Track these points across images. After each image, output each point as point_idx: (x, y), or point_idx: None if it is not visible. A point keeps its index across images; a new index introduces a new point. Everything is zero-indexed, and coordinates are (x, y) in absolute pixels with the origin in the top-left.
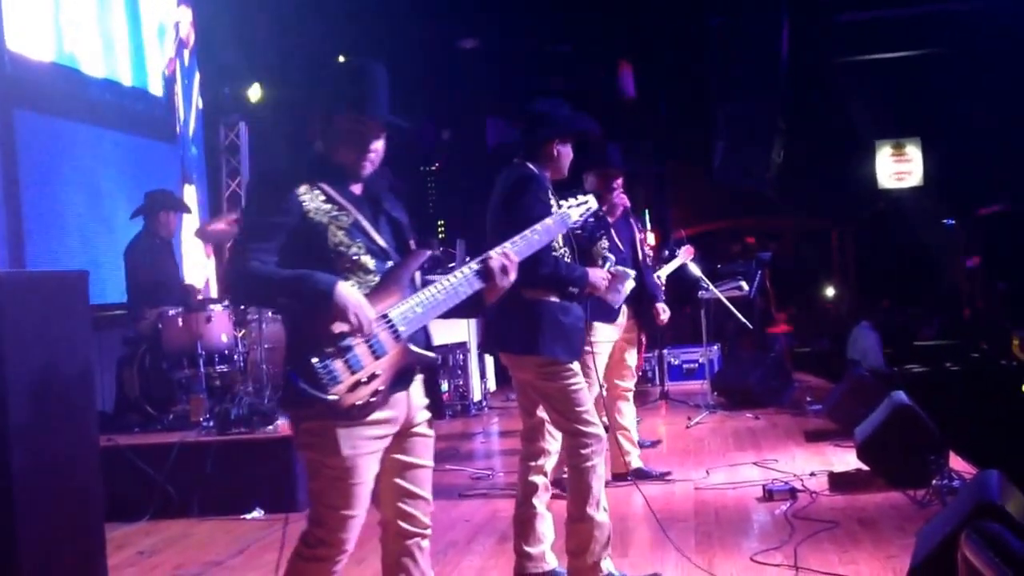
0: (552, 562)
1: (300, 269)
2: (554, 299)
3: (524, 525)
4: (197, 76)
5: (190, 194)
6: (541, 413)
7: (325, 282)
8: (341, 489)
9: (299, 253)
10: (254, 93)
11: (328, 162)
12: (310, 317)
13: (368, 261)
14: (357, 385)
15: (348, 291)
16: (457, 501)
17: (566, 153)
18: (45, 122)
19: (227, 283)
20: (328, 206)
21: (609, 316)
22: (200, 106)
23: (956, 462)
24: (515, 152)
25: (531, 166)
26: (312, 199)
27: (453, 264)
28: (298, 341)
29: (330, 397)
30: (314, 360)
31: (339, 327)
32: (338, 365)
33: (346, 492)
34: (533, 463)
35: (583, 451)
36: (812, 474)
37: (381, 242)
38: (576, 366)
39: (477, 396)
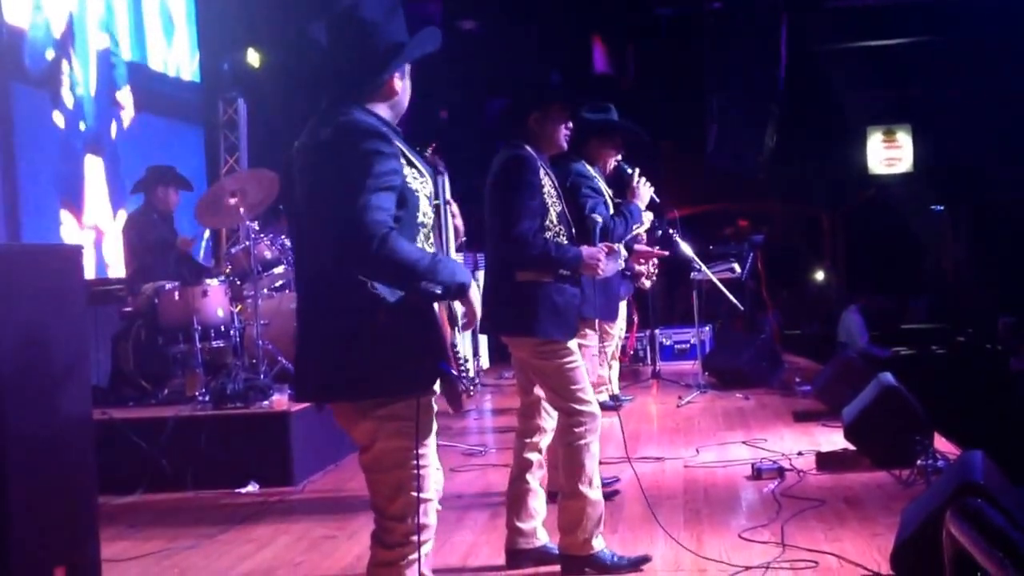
0: (543, 538)
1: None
2: (548, 280)
3: (517, 501)
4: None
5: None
6: (538, 391)
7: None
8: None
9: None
10: (253, 59)
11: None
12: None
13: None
14: None
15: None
16: (449, 476)
17: (553, 127)
18: (41, 96)
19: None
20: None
21: (612, 315)
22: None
23: (941, 443)
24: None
25: (525, 146)
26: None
27: None
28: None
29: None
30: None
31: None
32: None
33: (425, 476)
34: (528, 440)
35: (577, 429)
36: (800, 453)
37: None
38: (573, 344)
39: (470, 374)
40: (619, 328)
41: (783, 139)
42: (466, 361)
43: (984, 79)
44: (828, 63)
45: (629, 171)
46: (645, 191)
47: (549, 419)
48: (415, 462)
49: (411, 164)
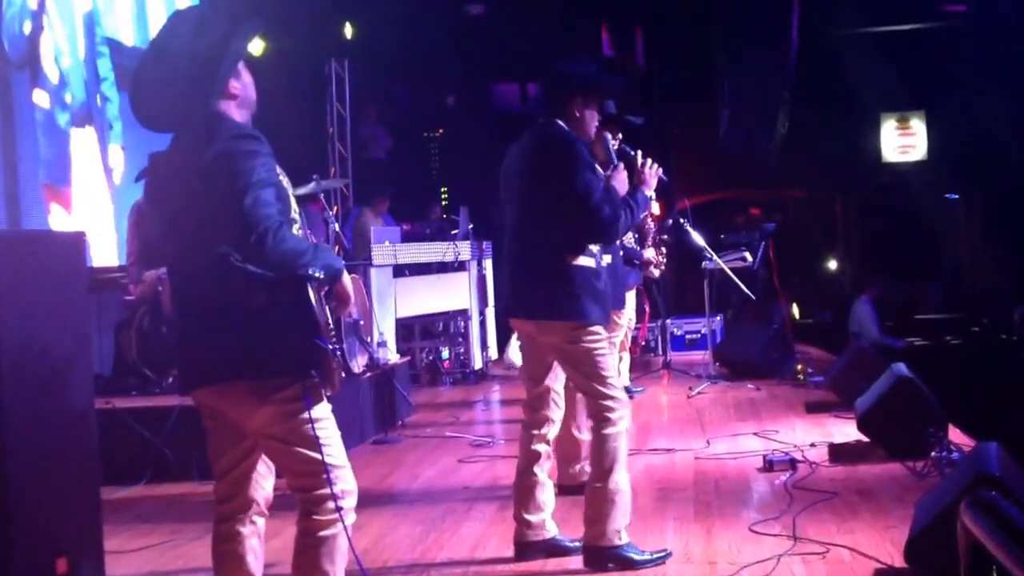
0: (552, 530)
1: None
2: (589, 264)
3: (525, 493)
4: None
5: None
6: (549, 382)
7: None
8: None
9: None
10: (255, 46)
11: None
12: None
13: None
14: None
15: None
16: (457, 467)
17: (590, 115)
18: (22, 77)
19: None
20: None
21: (620, 303)
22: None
23: (955, 435)
24: (535, 114)
25: (562, 124)
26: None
27: (456, 232)
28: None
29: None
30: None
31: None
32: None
33: (333, 444)
34: (536, 431)
35: (609, 415)
36: (812, 445)
37: None
38: (603, 331)
39: (478, 364)
40: (627, 318)
41: (795, 125)
42: (340, 344)
43: (1000, 66)
44: (841, 48)
45: (632, 154)
46: (652, 175)
47: (557, 410)
48: (320, 433)
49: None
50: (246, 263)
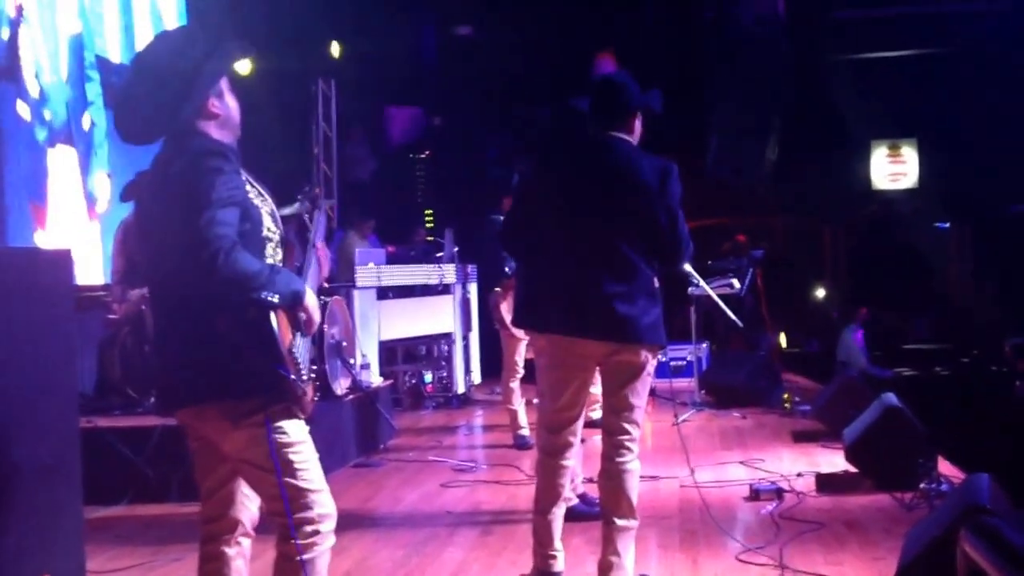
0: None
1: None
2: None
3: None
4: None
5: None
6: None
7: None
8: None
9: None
10: (242, 65)
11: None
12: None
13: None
14: None
15: None
16: (439, 492)
17: (639, 128)
18: (4, 86)
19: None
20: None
21: None
22: None
23: (944, 466)
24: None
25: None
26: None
27: (441, 254)
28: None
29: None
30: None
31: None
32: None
33: (311, 468)
34: (564, 461)
35: (632, 445)
36: (799, 474)
37: None
38: None
39: (461, 388)
40: None
41: (785, 152)
42: (307, 367)
43: (992, 95)
44: (833, 75)
45: None
46: None
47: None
48: (294, 457)
49: (251, 184)
50: (199, 283)
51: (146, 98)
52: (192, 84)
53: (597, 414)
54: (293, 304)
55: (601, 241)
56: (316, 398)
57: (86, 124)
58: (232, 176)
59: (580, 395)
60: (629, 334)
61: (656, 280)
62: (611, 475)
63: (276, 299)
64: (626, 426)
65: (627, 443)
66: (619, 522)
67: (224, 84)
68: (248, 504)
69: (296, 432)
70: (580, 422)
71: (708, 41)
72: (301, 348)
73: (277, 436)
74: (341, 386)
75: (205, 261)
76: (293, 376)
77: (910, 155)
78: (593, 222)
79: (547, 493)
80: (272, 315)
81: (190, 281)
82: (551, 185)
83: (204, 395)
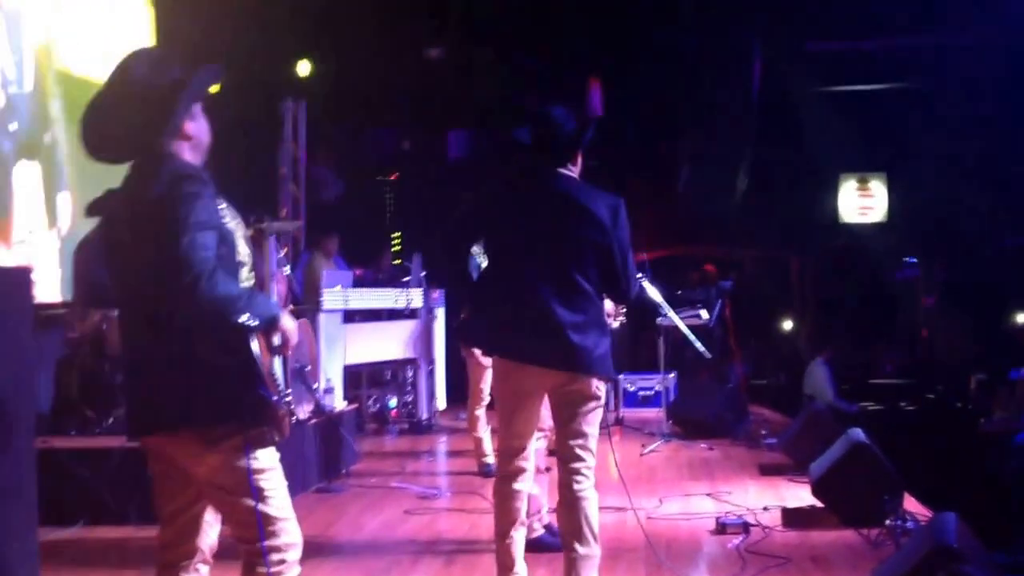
0: None
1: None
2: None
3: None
4: None
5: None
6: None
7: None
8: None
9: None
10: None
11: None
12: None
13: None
14: None
15: None
16: (403, 519)
17: (580, 162)
18: None
19: None
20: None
21: None
22: None
23: (910, 503)
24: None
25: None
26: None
27: (408, 278)
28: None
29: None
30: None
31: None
32: None
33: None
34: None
35: (588, 472)
36: (765, 508)
37: None
38: None
39: (425, 414)
40: None
41: (754, 182)
42: (286, 389)
43: (963, 130)
44: (803, 107)
45: None
46: None
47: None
48: (264, 484)
49: (225, 208)
50: (179, 308)
51: (118, 117)
52: (168, 107)
53: None
54: (270, 327)
55: (557, 272)
56: (294, 420)
57: (49, 140)
58: (209, 200)
59: (531, 423)
60: (582, 365)
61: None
62: (569, 503)
63: (256, 323)
64: (581, 454)
65: (583, 470)
66: (580, 550)
67: (197, 106)
68: (209, 531)
69: (267, 459)
70: (532, 448)
71: (683, 72)
72: (278, 370)
73: (251, 462)
74: (304, 410)
75: (187, 286)
76: (275, 397)
77: (879, 189)
78: (549, 253)
79: (504, 517)
80: (252, 338)
81: (169, 305)
82: (506, 216)
83: (181, 420)
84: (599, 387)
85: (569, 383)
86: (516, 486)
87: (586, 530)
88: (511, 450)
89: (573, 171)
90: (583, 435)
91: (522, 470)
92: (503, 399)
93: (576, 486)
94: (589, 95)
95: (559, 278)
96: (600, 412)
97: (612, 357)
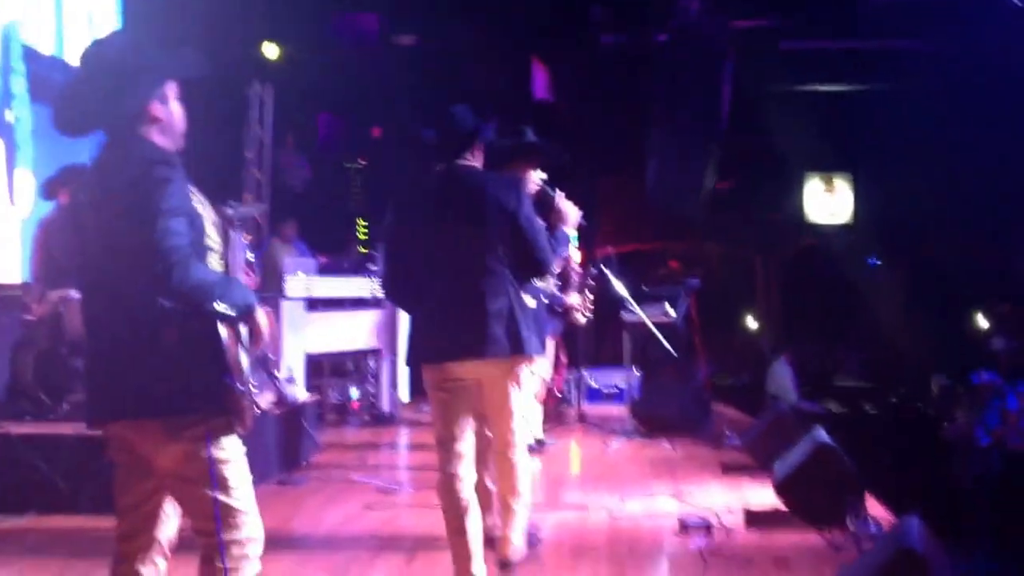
0: None
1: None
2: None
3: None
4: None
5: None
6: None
7: None
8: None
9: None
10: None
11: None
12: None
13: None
14: None
15: None
16: (363, 514)
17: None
18: None
19: None
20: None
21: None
22: None
23: (872, 505)
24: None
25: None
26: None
27: (375, 267)
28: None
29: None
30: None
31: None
32: None
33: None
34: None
35: (518, 441)
36: (728, 509)
37: None
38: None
39: (387, 407)
40: (542, 367)
41: (723, 179)
42: (250, 379)
43: (929, 132)
44: (769, 105)
45: (551, 193)
46: (572, 211)
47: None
48: (227, 475)
49: (194, 192)
50: (153, 295)
51: (90, 91)
52: (136, 81)
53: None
54: (245, 316)
55: (472, 264)
56: (258, 411)
57: (10, 118)
58: (180, 185)
59: (466, 414)
60: (502, 349)
61: (527, 295)
62: (502, 466)
63: (232, 311)
64: (512, 426)
65: (512, 440)
66: (512, 503)
67: (170, 90)
68: (167, 523)
69: (232, 450)
70: (470, 437)
71: (652, 64)
72: (244, 360)
73: (215, 452)
74: (265, 400)
75: (161, 272)
76: (242, 387)
77: (844, 189)
78: (462, 247)
79: (453, 511)
80: (220, 326)
81: (139, 291)
82: (416, 220)
83: (146, 408)
84: (522, 367)
85: (493, 367)
86: (457, 471)
87: (518, 486)
88: (448, 438)
89: (476, 164)
90: (510, 413)
91: (460, 455)
92: (437, 399)
93: (508, 452)
94: (532, 79)
95: (475, 270)
96: (527, 389)
97: (572, 348)
